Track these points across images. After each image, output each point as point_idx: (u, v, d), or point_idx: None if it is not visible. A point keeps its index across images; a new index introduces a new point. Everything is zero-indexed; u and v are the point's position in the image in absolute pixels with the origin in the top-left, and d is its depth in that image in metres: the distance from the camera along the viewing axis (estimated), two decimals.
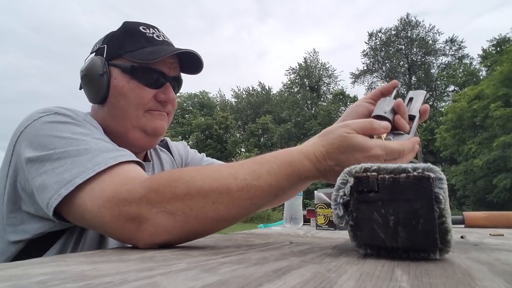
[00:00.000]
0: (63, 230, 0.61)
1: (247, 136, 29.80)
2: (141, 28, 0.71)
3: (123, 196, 0.46)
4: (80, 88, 0.73)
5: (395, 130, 0.58)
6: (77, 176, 0.49)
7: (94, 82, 0.68)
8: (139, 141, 0.71)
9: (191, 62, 0.74)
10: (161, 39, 0.72)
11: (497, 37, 20.44)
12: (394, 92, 0.66)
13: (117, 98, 0.68)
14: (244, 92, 34.49)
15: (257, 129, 29.40)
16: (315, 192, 1.11)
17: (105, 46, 0.69)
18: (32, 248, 0.59)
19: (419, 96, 0.65)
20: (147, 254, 0.39)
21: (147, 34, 0.71)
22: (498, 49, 19.54)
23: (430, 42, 28.37)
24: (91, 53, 0.72)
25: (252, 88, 34.58)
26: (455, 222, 1.01)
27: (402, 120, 0.57)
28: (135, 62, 0.67)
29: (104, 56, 0.68)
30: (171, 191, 0.45)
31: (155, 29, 0.73)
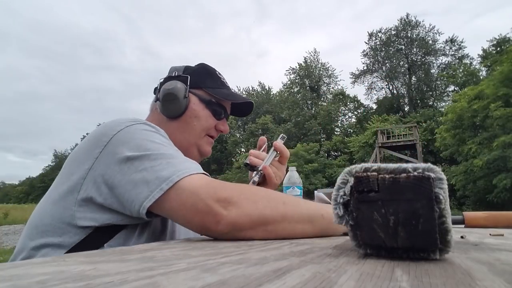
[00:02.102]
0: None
1: (247, 136, 29.80)
2: (217, 72, 0.96)
3: (219, 184, 0.60)
4: (156, 101, 0.90)
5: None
6: (174, 174, 0.59)
7: (176, 101, 0.86)
8: (192, 157, 0.83)
9: (243, 108, 1.00)
10: (228, 84, 0.97)
11: (497, 37, 20.46)
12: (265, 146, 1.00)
13: (191, 118, 0.88)
14: (244, 92, 34.48)
15: (257, 129, 29.38)
16: (315, 192, 1.11)
17: (188, 76, 0.89)
18: (99, 234, 0.64)
19: (279, 137, 0.97)
20: (147, 254, 0.39)
21: (221, 78, 0.95)
22: (498, 49, 19.54)
23: (430, 42, 28.37)
24: (169, 76, 0.91)
25: (252, 88, 34.66)
26: (455, 222, 1.01)
27: (253, 159, 0.91)
28: (213, 97, 0.90)
29: (188, 84, 0.88)
30: (255, 189, 0.63)
31: (223, 76, 0.98)
